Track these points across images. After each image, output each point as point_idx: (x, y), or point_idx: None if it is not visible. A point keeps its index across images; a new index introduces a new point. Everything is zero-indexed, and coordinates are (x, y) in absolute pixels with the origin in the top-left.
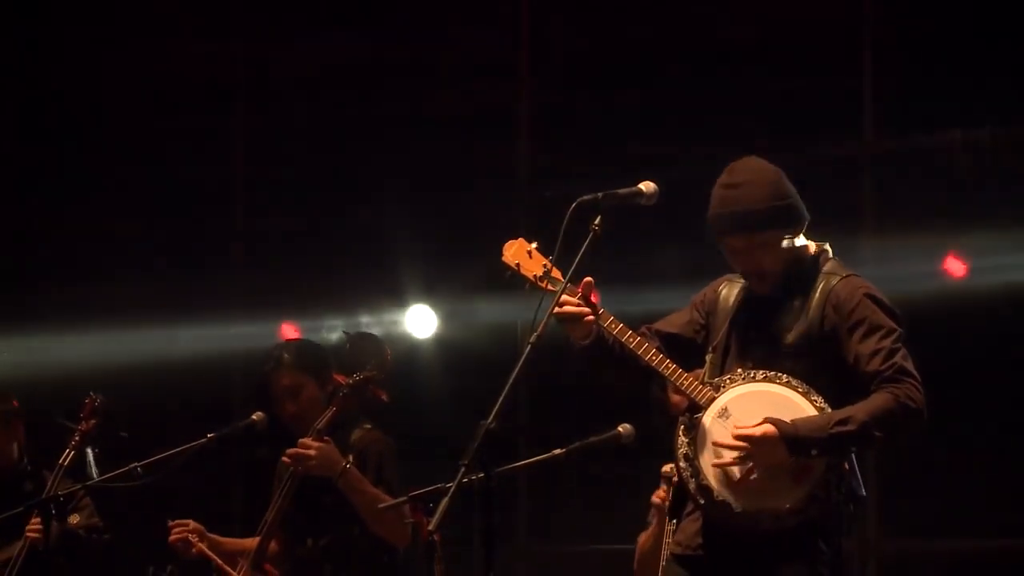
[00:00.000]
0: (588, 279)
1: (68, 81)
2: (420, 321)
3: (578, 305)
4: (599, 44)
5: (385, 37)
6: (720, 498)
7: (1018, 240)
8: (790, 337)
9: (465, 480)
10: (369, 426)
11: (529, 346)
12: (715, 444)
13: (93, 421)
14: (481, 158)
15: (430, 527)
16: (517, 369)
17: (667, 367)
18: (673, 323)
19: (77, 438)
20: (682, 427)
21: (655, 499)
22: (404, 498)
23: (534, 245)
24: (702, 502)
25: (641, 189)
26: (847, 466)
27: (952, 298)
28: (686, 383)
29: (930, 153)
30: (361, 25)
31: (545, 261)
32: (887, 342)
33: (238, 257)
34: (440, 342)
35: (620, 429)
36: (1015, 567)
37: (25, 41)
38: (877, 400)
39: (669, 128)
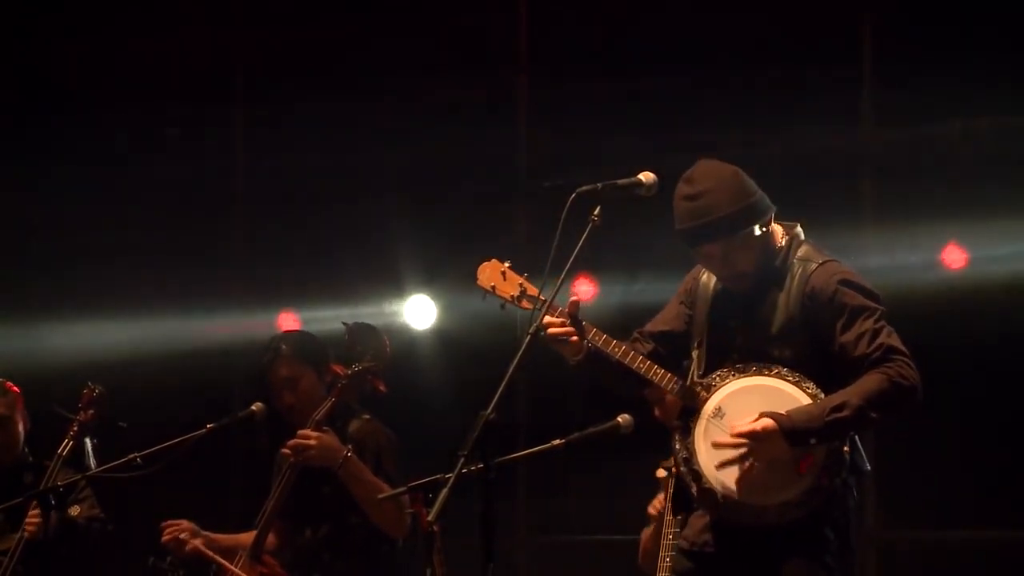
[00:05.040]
0: (575, 299)
1: (66, 69)
2: (419, 312)
3: (562, 325)
4: (598, 33)
5: (384, 26)
6: (723, 498)
7: (1018, 230)
8: (774, 327)
9: (464, 471)
10: (368, 417)
11: (528, 336)
12: (714, 444)
13: (91, 411)
14: (480, 148)
15: (429, 518)
16: (516, 359)
17: (655, 373)
18: (663, 320)
19: (75, 428)
20: (678, 432)
21: (651, 510)
22: (403, 488)
23: (507, 264)
24: (706, 504)
25: (641, 179)
26: (847, 448)
27: (951, 288)
28: (676, 388)
29: (930, 143)
30: (360, 13)
31: (520, 280)
32: (869, 323)
33: (237, 247)
34: (439, 333)
35: (619, 419)
36: (1013, 558)
37: (22, 29)
38: (870, 382)
39: (669, 118)
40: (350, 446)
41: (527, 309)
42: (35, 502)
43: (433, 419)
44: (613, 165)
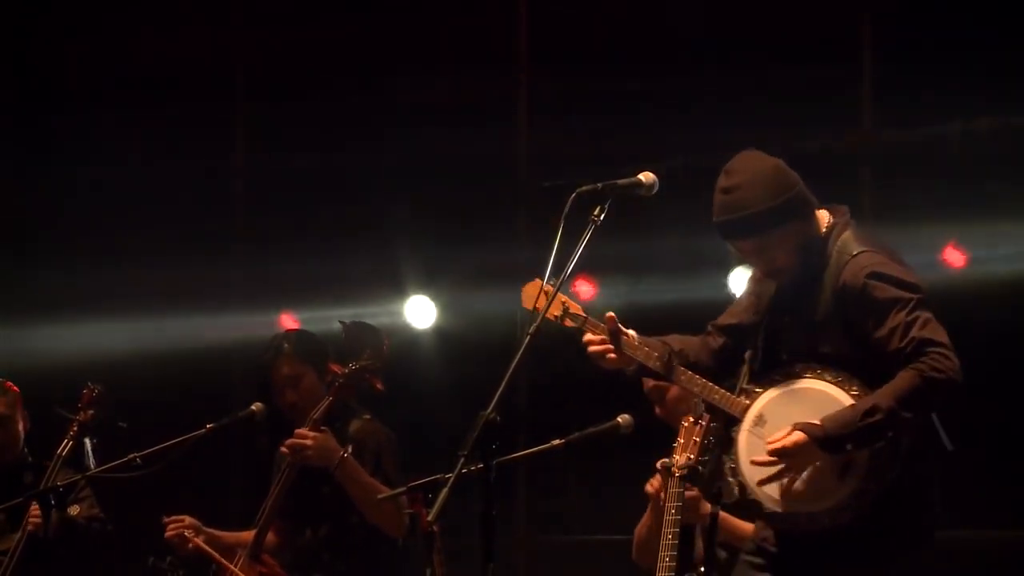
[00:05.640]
0: (611, 314)
1: (68, 69)
2: (419, 311)
3: (601, 343)
4: (598, 33)
5: (384, 26)
6: (769, 509)
7: (1018, 230)
8: (814, 323)
9: (464, 471)
10: (368, 416)
11: (528, 336)
12: (752, 463)
13: (91, 411)
14: (480, 148)
15: (429, 518)
16: (516, 359)
17: (695, 384)
18: (733, 313)
19: (75, 428)
20: (723, 443)
21: (648, 488)
22: (402, 488)
23: (551, 283)
24: (754, 513)
25: (641, 179)
26: (892, 453)
27: (951, 289)
28: (717, 397)
29: (929, 144)
30: (360, 13)
31: (563, 299)
32: (901, 316)
33: (238, 247)
34: (439, 333)
35: (619, 419)
36: (1013, 558)
37: (22, 29)
38: (902, 381)
39: (669, 118)
40: (348, 446)
41: (570, 327)
42: (35, 502)
43: (433, 419)
44: (613, 165)
